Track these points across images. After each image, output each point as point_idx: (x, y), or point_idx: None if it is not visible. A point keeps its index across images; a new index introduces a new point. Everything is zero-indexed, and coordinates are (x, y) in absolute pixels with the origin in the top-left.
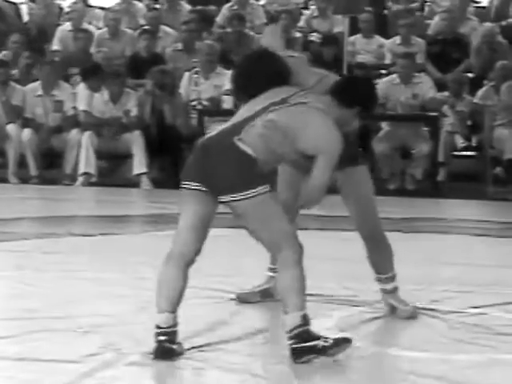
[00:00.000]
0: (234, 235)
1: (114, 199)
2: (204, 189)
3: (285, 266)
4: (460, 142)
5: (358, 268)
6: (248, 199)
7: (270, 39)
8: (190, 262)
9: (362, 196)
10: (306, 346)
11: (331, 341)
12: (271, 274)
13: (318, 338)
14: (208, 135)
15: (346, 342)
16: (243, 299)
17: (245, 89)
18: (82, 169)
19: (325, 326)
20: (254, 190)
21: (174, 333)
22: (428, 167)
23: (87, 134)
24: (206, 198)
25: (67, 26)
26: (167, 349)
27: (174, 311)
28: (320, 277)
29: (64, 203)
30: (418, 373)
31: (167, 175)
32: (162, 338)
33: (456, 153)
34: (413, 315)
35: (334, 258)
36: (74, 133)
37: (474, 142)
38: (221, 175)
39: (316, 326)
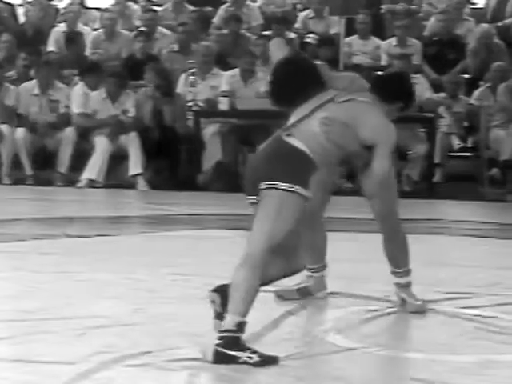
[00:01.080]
0: (234, 236)
1: (110, 200)
2: (256, 200)
3: (245, 265)
4: (456, 142)
5: (358, 269)
6: (270, 189)
7: (278, 53)
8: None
9: (387, 194)
10: (228, 354)
11: (257, 358)
12: (309, 273)
13: (244, 349)
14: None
15: (272, 361)
16: (280, 295)
17: (284, 96)
18: (89, 175)
19: (322, 326)
20: (282, 183)
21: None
22: (424, 168)
23: (104, 139)
24: None
25: (62, 27)
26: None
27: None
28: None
29: (60, 204)
30: (414, 374)
31: (163, 176)
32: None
33: (452, 154)
34: (420, 310)
35: (334, 259)
36: (67, 131)
37: (470, 143)
38: (261, 168)
39: (312, 326)
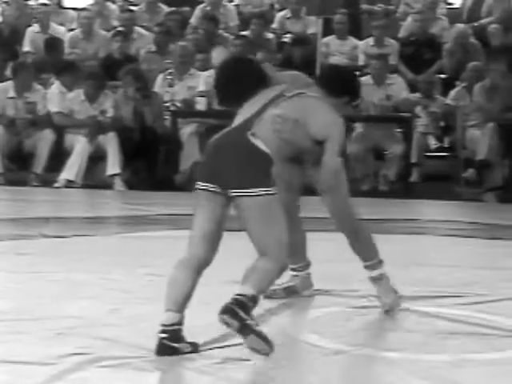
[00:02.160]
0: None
1: (88, 200)
2: (217, 189)
3: (272, 259)
4: (433, 142)
5: (337, 269)
6: (254, 197)
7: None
8: (203, 266)
9: (338, 191)
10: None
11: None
12: (294, 273)
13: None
14: (217, 135)
15: (269, 346)
16: (267, 295)
17: (230, 94)
18: (67, 175)
19: (300, 326)
20: (262, 189)
21: (177, 331)
22: (401, 168)
23: (83, 140)
24: (219, 198)
25: (36, 27)
26: (166, 346)
27: (178, 311)
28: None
29: (36, 205)
30: (387, 374)
31: (141, 177)
32: (163, 335)
33: (429, 154)
34: (390, 308)
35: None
36: (46, 133)
37: (446, 143)
38: (232, 168)
39: (290, 326)
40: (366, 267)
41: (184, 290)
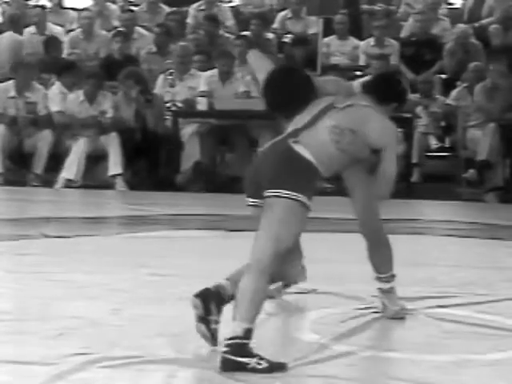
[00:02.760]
0: (213, 237)
1: (89, 200)
2: (259, 203)
3: (255, 273)
4: (433, 143)
5: (339, 268)
6: (278, 198)
7: (258, 63)
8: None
9: (367, 195)
10: (236, 361)
11: (265, 364)
12: None
13: (253, 356)
14: (265, 145)
15: (280, 368)
16: (270, 296)
17: (281, 104)
18: (67, 175)
19: (301, 327)
20: (287, 193)
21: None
22: (402, 168)
23: (83, 140)
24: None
25: (32, 28)
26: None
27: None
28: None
29: (37, 205)
30: (390, 374)
31: (142, 177)
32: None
33: (429, 154)
34: (397, 316)
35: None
36: (45, 133)
37: (447, 143)
38: (269, 173)
39: (292, 327)
40: (380, 279)
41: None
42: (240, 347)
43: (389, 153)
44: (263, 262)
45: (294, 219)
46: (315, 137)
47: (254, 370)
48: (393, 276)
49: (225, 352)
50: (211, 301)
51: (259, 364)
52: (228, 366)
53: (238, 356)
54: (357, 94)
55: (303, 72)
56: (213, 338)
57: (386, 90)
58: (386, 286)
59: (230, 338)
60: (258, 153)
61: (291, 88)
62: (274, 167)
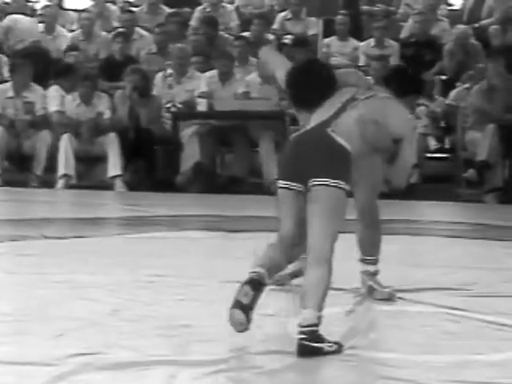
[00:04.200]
0: (209, 237)
1: (88, 201)
2: (298, 188)
3: (317, 264)
4: (432, 143)
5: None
6: (330, 187)
7: (273, 59)
8: (293, 246)
9: (371, 186)
10: (314, 347)
11: (335, 346)
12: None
13: (324, 341)
14: (298, 133)
15: (341, 347)
16: (276, 283)
17: (304, 97)
18: (61, 171)
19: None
20: (335, 181)
21: (264, 277)
22: None
23: (66, 135)
24: (301, 196)
25: (39, 27)
26: (257, 280)
27: (265, 269)
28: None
29: (37, 205)
30: (389, 375)
31: (141, 178)
32: (254, 274)
33: (429, 155)
34: (389, 297)
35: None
36: (44, 134)
37: (447, 144)
38: (312, 161)
39: (290, 326)
40: (366, 261)
41: (276, 256)
42: (315, 334)
43: (407, 142)
44: (324, 252)
45: (342, 206)
46: (343, 127)
47: (328, 353)
48: (378, 260)
49: (302, 339)
50: (257, 290)
51: (330, 347)
52: (306, 351)
53: (313, 342)
54: (375, 87)
55: (325, 65)
56: (246, 326)
57: (404, 82)
58: (373, 268)
59: (306, 326)
60: (294, 139)
61: (315, 81)
62: (318, 155)
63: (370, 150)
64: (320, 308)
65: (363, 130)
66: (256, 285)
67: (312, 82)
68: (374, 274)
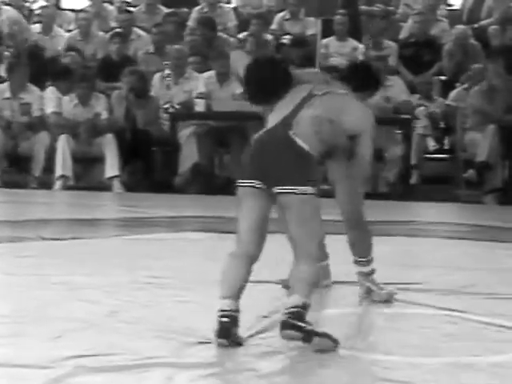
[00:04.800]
0: (211, 239)
1: (86, 203)
2: (261, 186)
3: (306, 262)
4: (431, 144)
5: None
6: (298, 195)
7: (240, 62)
8: (254, 260)
9: (352, 186)
10: (296, 324)
11: (321, 332)
12: None
13: (310, 323)
14: (261, 132)
15: (333, 341)
16: (286, 285)
17: (260, 94)
18: (58, 172)
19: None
20: (302, 189)
21: (236, 317)
22: (401, 170)
23: (63, 136)
24: (264, 195)
25: (36, 27)
26: (227, 327)
27: (235, 298)
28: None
29: (34, 207)
30: (386, 377)
31: (139, 179)
32: (224, 319)
33: (429, 155)
34: (388, 299)
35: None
36: (42, 135)
37: (446, 145)
38: (279, 166)
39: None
40: (359, 262)
41: (240, 278)
42: (300, 314)
43: (364, 138)
44: (310, 251)
45: (315, 209)
46: (302, 128)
47: (312, 333)
48: (372, 259)
49: (287, 317)
50: (231, 333)
51: (311, 325)
52: (287, 326)
53: (297, 321)
54: (333, 83)
55: (281, 61)
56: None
57: (361, 77)
58: (367, 268)
59: (290, 307)
60: (257, 139)
61: (268, 77)
62: (282, 161)
63: (327, 147)
64: (306, 296)
65: (318, 130)
66: (228, 330)
67: (267, 77)
68: (370, 274)
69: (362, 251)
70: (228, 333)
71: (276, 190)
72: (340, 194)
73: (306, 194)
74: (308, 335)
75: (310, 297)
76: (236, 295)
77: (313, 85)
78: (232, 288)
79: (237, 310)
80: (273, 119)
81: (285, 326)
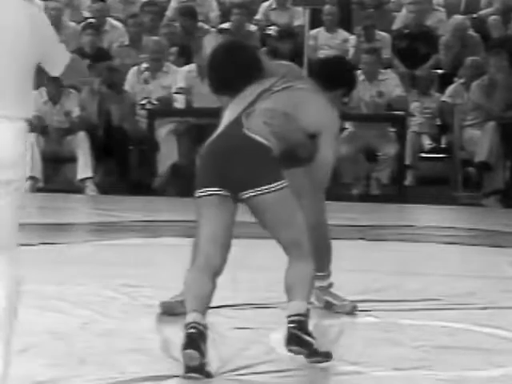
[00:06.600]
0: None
1: (56, 206)
2: (223, 193)
3: (301, 259)
4: (427, 142)
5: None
6: (272, 193)
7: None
8: (218, 273)
9: (314, 199)
10: (305, 340)
11: (323, 352)
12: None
13: (314, 337)
14: (214, 138)
15: (328, 356)
16: (167, 309)
17: (222, 81)
18: (27, 173)
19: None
20: (277, 183)
21: (203, 332)
22: (394, 170)
23: (32, 135)
24: (228, 203)
25: None
26: (194, 338)
27: (202, 313)
28: (258, 287)
29: None
30: None
31: (113, 180)
32: (192, 330)
33: (424, 155)
34: (351, 310)
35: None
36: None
37: (443, 144)
38: (243, 169)
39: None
40: (319, 277)
41: (205, 292)
42: (304, 324)
43: (324, 138)
44: (303, 247)
45: (295, 202)
46: (254, 120)
47: (316, 353)
48: (330, 273)
49: (292, 327)
50: (199, 345)
51: (317, 343)
52: (294, 342)
53: (304, 333)
54: (303, 78)
55: (247, 48)
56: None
57: (332, 74)
58: (325, 282)
59: (294, 315)
60: (212, 145)
61: (230, 63)
62: (247, 163)
63: (283, 144)
64: (307, 299)
65: (269, 122)
66: (196, 341)
67: (229, 63)
68: (328, 287)
69: (323, 265)
70: (195, 344)
71: (245, 194)
72: (306, 211)
73: (282, 188)
74: (312, 354)
75: (310, 298)
76: (203, 310)
77: (276, 79)
78: (198, 302)
79: (205, 326)
80: (226, 117)
81: (291, 340)
